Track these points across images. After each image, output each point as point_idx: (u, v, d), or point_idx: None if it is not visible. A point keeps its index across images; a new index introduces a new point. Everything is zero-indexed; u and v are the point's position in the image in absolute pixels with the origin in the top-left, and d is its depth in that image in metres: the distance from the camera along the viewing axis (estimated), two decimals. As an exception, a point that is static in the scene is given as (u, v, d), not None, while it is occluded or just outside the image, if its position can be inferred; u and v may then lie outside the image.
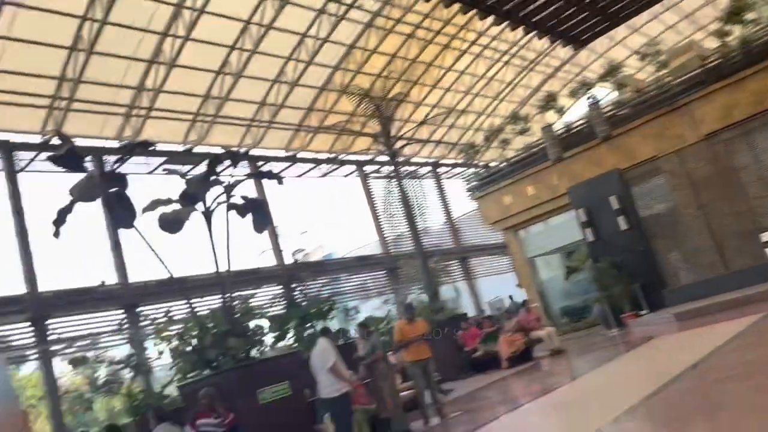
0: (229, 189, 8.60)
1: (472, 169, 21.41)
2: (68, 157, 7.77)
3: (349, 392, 7.71)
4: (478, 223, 23.75)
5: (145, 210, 7.77)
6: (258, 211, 9.05)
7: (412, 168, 23.88)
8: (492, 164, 20.49)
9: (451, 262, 22.85)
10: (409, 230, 17.69)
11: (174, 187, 8.55)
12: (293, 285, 17.76)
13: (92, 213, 14.06)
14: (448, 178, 25.81)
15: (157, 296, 14.78)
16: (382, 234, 21.86)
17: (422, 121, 21.66)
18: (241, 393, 7.53)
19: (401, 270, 20.53)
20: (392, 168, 17.65)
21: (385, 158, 20.15)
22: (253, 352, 8.37)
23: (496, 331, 14.88)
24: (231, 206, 8.52)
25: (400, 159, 19.01)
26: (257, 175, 9.21)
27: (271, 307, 15.80)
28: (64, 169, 8.69)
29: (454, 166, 25.59)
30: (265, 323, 10.57)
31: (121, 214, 8.05)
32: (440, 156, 25.64)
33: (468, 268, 24.03)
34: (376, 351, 8.91)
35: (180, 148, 17.26)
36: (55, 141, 14.45)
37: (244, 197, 9.08)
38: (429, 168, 25.11)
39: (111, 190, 8.01)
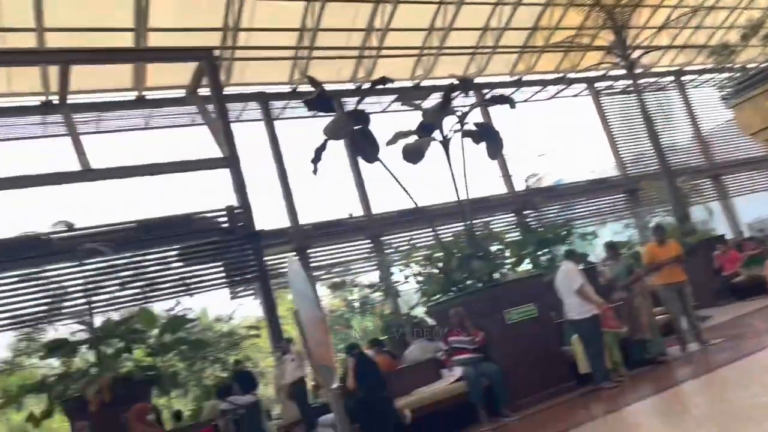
0: (463, 117, 8.73)
1: (726, 74, 18.74)
2: (319, 100, 8.53)
3: (598, 315, 7.53)
4: (734, 135, 20.95)
5: (389, 143, 8.26)
6: (491, 138, 9.07)
7: (652, 79, 21.69)
8: (751, 65, 17.71)
9: (701, 181, 20.62)
10: (652, 148, 16.28)
11: (401, 125, 8.93)
12: (525, 211, 17.63)
13: (337, 151, 15.39)
14: (695, 86, 22.98)
15: (398, 226, 15.81)
16: (619, 154, 20.45)
17: (662, 25, 19.34)
18: (488, 313, 7.81)
19: (642, 192, 19.11)
20: (629, 81, 16.23)
21: (619, 72, 18.61)
22: (496, 275, 8.60)
23: (761, 253, 13.23)
24: (466, 133, 8.65)
25: (638, 70, 17.37)
26: (490, 102, 9.15)
27: (505, 234, 15.94)
28: (313, 112, 9.56)
29: (703, 72, 22.63)
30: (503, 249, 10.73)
31: (366, 149, 8.66)
32: (685, 63, 22.85)
33: (721, 186, 21.49)
34: (633, 271, 8.51)
35: (408, 84, 17.84)
36: (303, 88, 15.92)
37: (476, 124, 9.16)
38: (671, 78, 22.59)
39: (356, 128, 8.63)
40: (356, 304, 15.46)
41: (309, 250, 15.32)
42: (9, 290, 11.18)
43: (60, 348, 10.03)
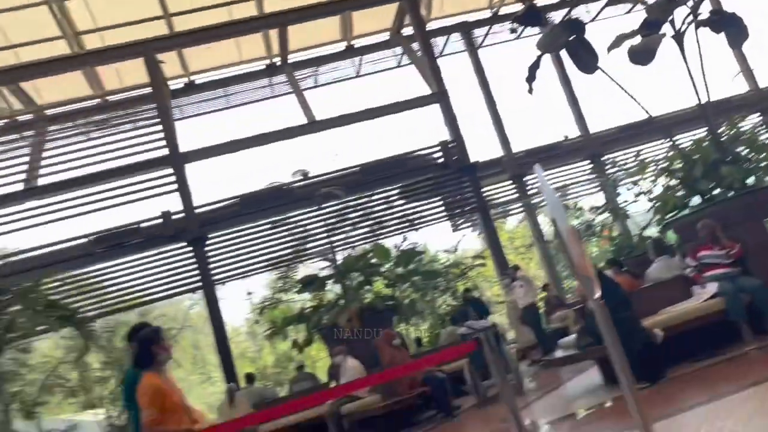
0: (696, 6, 7.70)
1: None
2: (528, 14, 8.13)
3: None
4: None
5: (610, 47, 7.62)
6: (733, 25, 7.89)
7: None
8: None
9: None
10: None
11: (613, 33, 8.09)
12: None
13: (544, 71, 14.65)
14: None
15: (621, 141, 14.76)
16: None
17: None
18: (743, 222, 6.98)
19: None
20: None
21: None
22: (750, 180, 7.63)
23: None
24: (701, 23, 7.63)
25: None
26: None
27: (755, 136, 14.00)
28: (516, 35, 9.11)
29: None
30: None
31: (584, 59, 8.09)
32: None
33: None
34: None
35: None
36: (503, 11, 15.37)
37: (713, 11, 8.04)
38: None
39: (571, 38, 8.08)
40: (580, 229, 14.90)
41: (525, 178, 15.00)
42: (263, 236, 12.71)
43: (311, 283, 11.24)
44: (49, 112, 14.01)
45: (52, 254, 11.86)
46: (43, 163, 12.88)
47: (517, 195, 15.00)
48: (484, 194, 14.08)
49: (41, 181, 12.57)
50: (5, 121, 13.82)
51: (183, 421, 3.83)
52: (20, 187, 12.42)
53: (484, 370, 8.77)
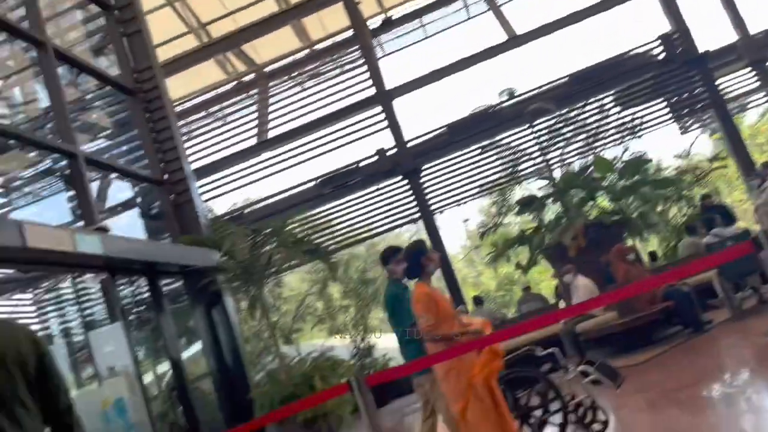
0: None
1: None
2: None
3: None
4: None
5: None
6: None
7: None
8: None
9: None
10: None
11: None
12: None
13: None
14: None
15: None
16: None
17: None
18: None
19: None
20: None
21: None
22: None
23: None
24: None
25: None
26: None
27: None
28: None
29: None
30: None
31: None
32: None
33: None
34: None
35: None
36: None
37: None
38: None
39: None
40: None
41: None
42: (475, 161, 12.61)
43: (530, 204, 11.00)
44: (267, 69, 15.17)
45: (287, 199, 13.06)
46: (270, 117, 14.11)
47: (758, 83, 12.96)
48: (718, 88, 12.40)
49: (270, 134, 13.79)
50: (234, 83, 15.31)
51: (454, 326, 4.03)
52: (254, 141, 13.78)
53: (736, 282, 7.95)
